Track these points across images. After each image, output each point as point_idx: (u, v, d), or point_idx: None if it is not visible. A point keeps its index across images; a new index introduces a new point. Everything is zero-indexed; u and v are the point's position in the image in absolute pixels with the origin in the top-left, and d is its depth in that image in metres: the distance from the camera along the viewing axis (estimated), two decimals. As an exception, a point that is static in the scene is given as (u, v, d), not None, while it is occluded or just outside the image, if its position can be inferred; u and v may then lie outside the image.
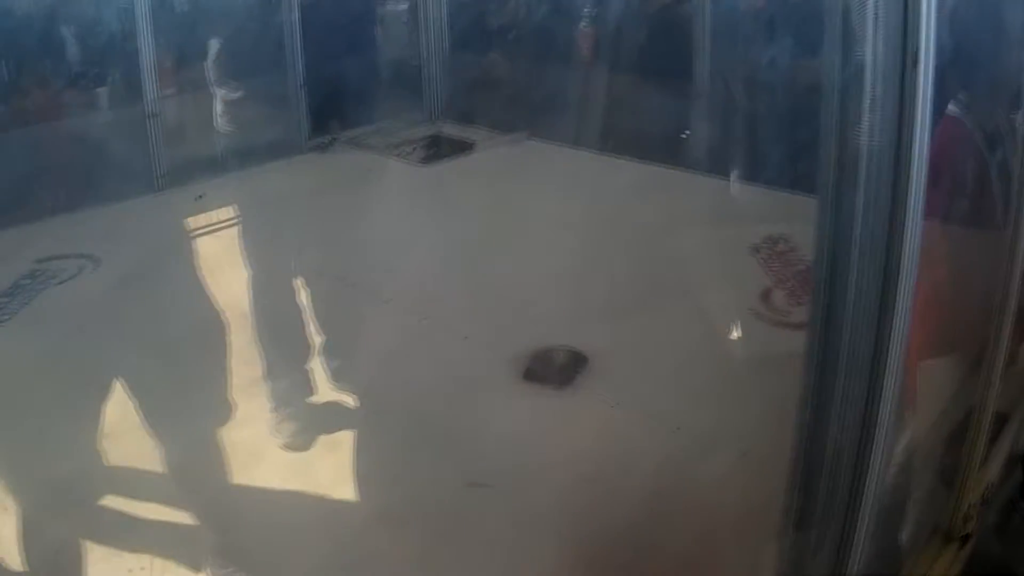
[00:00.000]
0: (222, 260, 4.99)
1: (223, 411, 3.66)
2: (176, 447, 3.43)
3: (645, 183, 5.84)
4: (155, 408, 3.63)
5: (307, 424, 3.59)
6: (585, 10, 6.82)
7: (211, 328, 4.22)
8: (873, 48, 1.67)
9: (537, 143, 6.72)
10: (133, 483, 3.26)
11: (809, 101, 2.03)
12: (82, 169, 5.53)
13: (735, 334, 4.19)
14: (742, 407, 3.39)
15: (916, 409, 2.33)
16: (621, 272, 4.59)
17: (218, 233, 5.38)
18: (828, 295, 1.94)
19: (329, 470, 3.31)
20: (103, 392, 3.72)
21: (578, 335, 4.03)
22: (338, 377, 3.94)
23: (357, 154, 6.80)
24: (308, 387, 3.89)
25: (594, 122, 6.38)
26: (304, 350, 4.13)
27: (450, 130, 7.19)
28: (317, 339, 4.23)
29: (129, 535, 3.01)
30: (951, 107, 2.20)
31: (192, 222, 5.45)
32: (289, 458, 3.41)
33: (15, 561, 2.92)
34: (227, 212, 5.57)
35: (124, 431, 3.50)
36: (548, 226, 5.10)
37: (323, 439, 3.51)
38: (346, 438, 3.53)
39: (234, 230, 5.45)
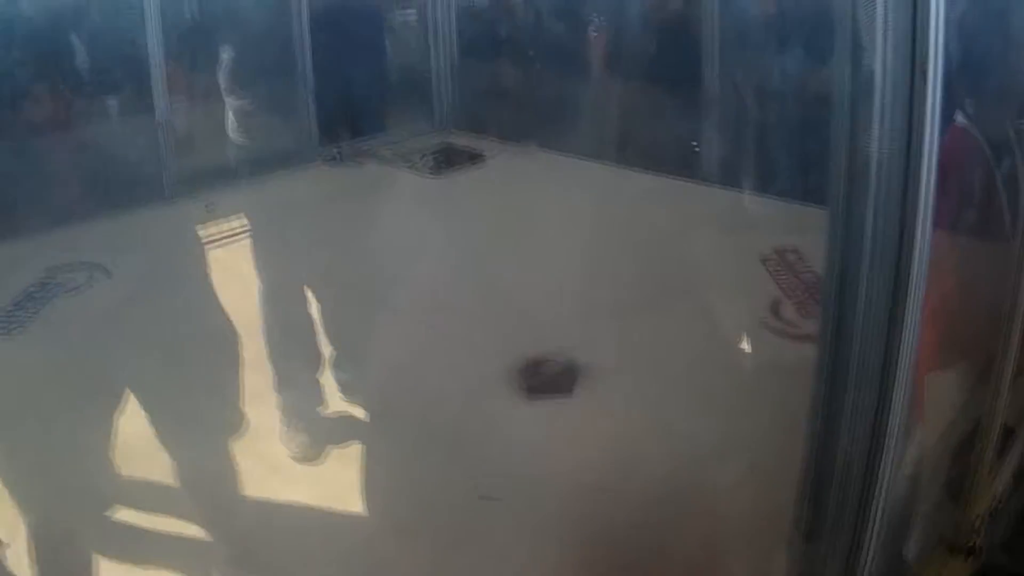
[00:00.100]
0: (232, 270, 4.98)
1: (234, 421, 3.66)
2: (187, 457, 3.43)
3: (656, 194, 5.84)
4: (166, 418, 3.62)
5: (318, 434, 3.60)
6: (595, 19, 6.82)
7: (221, 337, 4.22)
8: (882, 57, 1.68)
9: (547, 154, 6.71)
10: (144, 494, 3.26)
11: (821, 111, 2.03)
12: (92, 178, 5.53)
13: (746, 345, 4.19)
14: (751, 417, 3.39)
15: (924, 420, 2.32)
16: (630, 282, 4.58)
17: (228, 242, 5.39)
18: (838, 306, 1.94)
19: (340, 480, 3.31)
20: (114, 402, 3.70)
21: (588, 344, 4.04)
22: (349, 387, 3.95)
23: (367, 164, 6.81)
24: (319, 397, 3.90)
25: (605, 133, 6.38)
26: (315, 360, 4.13)
27: (460, 140, 7.19)
28: (328, 349, 4.22)
29: (140, 546, 3.02)
30: (958, 117, 2.19)
31: (202, 231, 5.46)
32: (300, 468, 3.42)
33: (26, 574, 2.93)
34: (237, 221, 5.57)
35: (135, 441, 3.50)
36: (558, 236, 5.09)
37: (333, 449, 3.53)
38: (357, 449, 3.54)
39: (245, 240, 5.45)
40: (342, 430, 3.65)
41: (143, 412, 3.67)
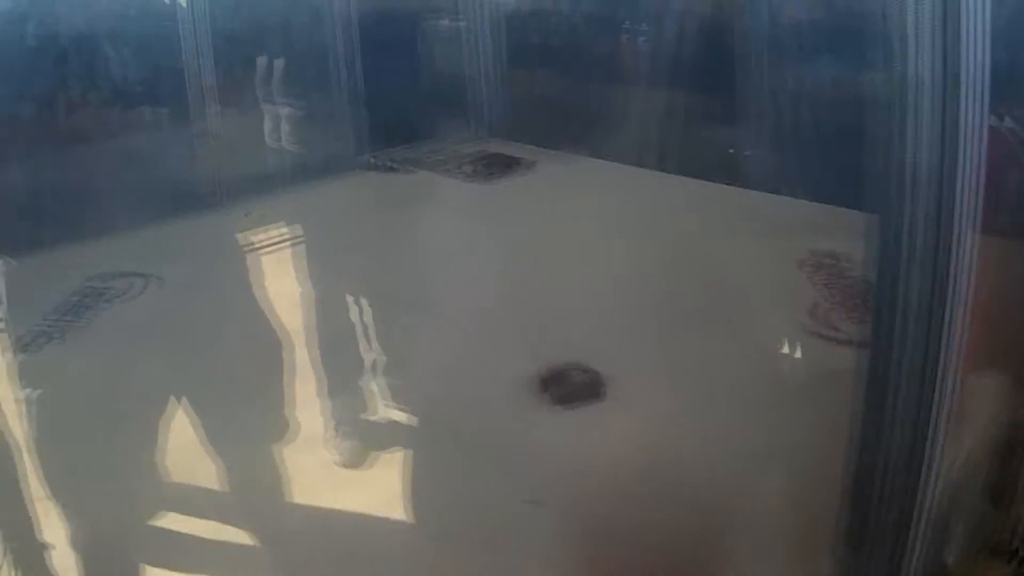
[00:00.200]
0: (276, 277, 5.04)
1: (281, 427, 3.71)
2: (234, 463, 3.47)
3: (700, 200, 5.81)
4: (210, 425, 3.68)
5: (364, 440, 3.62)
6: (636, 27, 6.81)
7: (266, 345, 4.27)
8: (917, 63, 1.68)
9: (590, 161, 6.70)
10: (190, 499, 3.31)
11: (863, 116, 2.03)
12: (135, 187, 5.57)
13: (784, 349, 4.18)
14: (789, 421, 3.38)
15: (967, 423, 2.31)
16: (672, 286, 4.58)
17: (272, 250, 5.44)
18: (880, 309, 1.95)
19: (386, 485, 3.33)
20: (158, 409, 3.76)
21: (624, 350, 4.05)
22: (393, 394, 3.97)
23: (409, 171, 6.84)
24: (365, 404, 3.94)
25: (647, 139, 6.37)
26: (360, 366, 4.18)
27: (502, 147, 7.18)
28: (373, 356, 4.27)
29: (186, 551, 3.06)
30: (1004, 121, 2.19)
31: (245, 239, 5.51)
32: (347, 474, 3.45)
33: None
34: (281, 230, 5.63)
35: (179, 448, 3.55)
36: (600, 242, 5.11)
37: (380, 455, 3.54)
38: (402, 454, 3.55)
39: (288, 247, 5.50)
40: (388, 436, 3.67)
41: (187, 418, 3.73)
